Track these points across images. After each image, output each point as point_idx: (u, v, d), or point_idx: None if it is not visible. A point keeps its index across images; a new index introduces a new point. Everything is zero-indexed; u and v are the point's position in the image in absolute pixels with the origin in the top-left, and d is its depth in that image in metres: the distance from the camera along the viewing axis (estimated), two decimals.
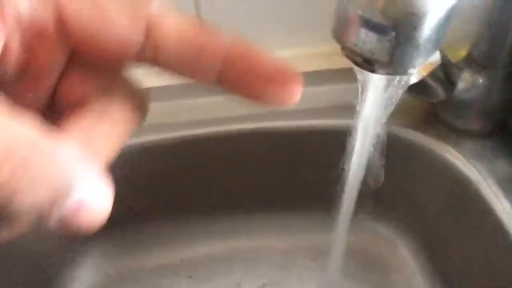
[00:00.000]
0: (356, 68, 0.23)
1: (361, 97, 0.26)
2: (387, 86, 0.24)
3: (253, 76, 0.15)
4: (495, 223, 0.42)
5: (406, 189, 0.51)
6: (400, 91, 0.24)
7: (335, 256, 0.44)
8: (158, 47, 0.15)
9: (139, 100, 0.17)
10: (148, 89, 0.52)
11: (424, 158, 0.48)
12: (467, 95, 0.44)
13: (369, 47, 0.21)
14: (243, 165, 0.53)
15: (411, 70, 0.21)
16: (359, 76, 0.24)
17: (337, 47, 0.54)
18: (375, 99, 0.25)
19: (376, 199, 0.48)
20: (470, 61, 0.43)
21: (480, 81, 0.43)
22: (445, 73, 0.44)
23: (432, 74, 0.44)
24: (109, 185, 0.14)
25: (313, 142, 0.51)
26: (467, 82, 0.43)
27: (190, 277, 0.55)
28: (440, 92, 0.44)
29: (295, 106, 0.49)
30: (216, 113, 0.49)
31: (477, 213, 0.44)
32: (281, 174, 0.54)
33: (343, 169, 0.40)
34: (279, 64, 0.16)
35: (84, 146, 0.15)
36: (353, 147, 0.32)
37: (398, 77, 0.23)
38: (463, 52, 0.44)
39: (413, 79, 0.38)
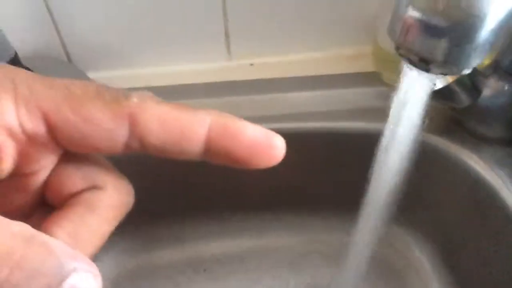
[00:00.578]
0: (404, 68, 0.23)
1: (398, 100, 0.26)
2: (433, 87, 0.24)
3: (236, 148, 0.17)
4: None
5: (426, 194, 0.51)
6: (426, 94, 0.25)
7: (358, 262, 0.44)
8: (142, 139, 0.16)
9: (125, 194, 0.19)
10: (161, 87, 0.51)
11: (445, 163, 0.48)
12: (491, 102, 0.44)
13: (427, 46, 0.21)
14: None
15: (466, 71, 0.22)
16: (404, 77, 0.24)
17: (360, 50, 0.55)
18: (420, 100, 0.25)
19: (395, 203, 0.48)
20: (496, 68, 0.43)
21: (506, 88, 0.43)
22: (470, 79, 0.44)
23: (458, 80, 0.44)
24: (97, 272, 0.15)
25: (332, 144, 0.51)
26: (492, 89, 0.43)
27: (206, 273, 0.55)
28: (464, 98, 0.44)
29: (316, 108, 0.49)
30: (234, 113, 0.49)
31: (498, 219, 0.44)
32: (298, 174, 0.54)
33: (366, 173, 0.40)
34: (259, 131, 0.17)
35: (72, 240, 0.17)
36: (384, 150, 0.32)
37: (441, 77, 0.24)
38: (488, 60, 0.44)
39: (439, 84, 0.38)
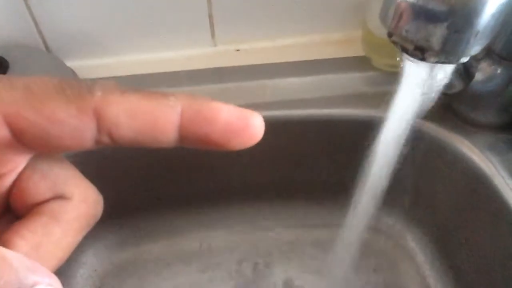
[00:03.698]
0: (400, 56, 0.22)
1: (398, 87, 0.25)
2: (431, 76, 0.23)
3: (211, 132, 0.16)
4: (509, 216, 0.41)
5: (418, 181, 0.51)
6: (442, 82, 0.23)
7: (349, 249, 0.44)
8: (111, 133, 0.15)
9: (92, 205, 0.18)
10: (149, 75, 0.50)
11: (437, 150, 0.47)
12: (484, 87, 0.43)
13: (423, 34, 0.20)
14: (251, 156, 0.52)
15: (464, 59, 0.20)
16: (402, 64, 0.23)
17: (349, 34, 0.54)
18: (416, 89, 0.24)
19: (387, 190, 0.47)
20: (488, 52, 0.42)
21: (498, 72, 0.42)
22: (463, 63, 0.43)
23: None
24: (59, 285, 0.14)
25: (322, 131, 0.50)
26: (485, 74, 0.42)
27: (193, 266, 0.54)
28: (457, 83, 0.43)
29: (304, 94, 0.48)
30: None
31: (490, 206, 0.43)
32: (288, 162, 0.54)
33: (357, 159, 0.39)
34: (234, 112, 0.16)
35: (34, 251, 0.16)
36: (380, 139, 0.30)
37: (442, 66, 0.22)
38: None
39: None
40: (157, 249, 0.56)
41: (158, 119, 0.15)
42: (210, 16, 0.51)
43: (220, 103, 0.16)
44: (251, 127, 0.16)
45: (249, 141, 0.16)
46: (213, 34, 0.53)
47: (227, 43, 0.54)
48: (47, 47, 0.51)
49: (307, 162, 0.53)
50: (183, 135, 0.16)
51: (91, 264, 0.53)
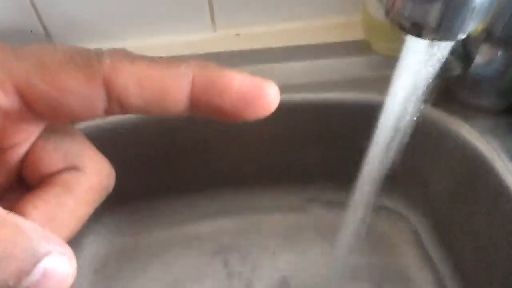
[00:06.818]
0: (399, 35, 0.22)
1: (397, 68, 0.25)
2: (429, 54, 0.23)
3: (224, 102, 0.15)
4: (509, 199, 0.41)
5: (418, 165, 0.51)
6: (440, 62, 0.23)
7: (347, 234, 0.44)
8: (121, 101, 0.15)
9: (105, 176, 0.18)
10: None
11: (437, 134, 0.47)
12: (484, 70, 0.43)
13: (420, 11, 0.20)
14: (250, 141, 0.52)
15: (461, 36, 0.20)
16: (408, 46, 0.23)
17: (349, 18, 0.53)
18: (415, 68, 0.24)
19: (387, 174, 0.47)
20: (489, 35, 0.42)
21: (499, 55, 0.42)
22: (463, 46, 0.43)
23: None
24: (72, 255, 0.14)
25: (322, 116, 0.50)
26: (485, 57, 0.42)
27: (194, 250, 0.55)
28: (456, 66, 0.43)
29: (304, 78, 0.48)
30: None
31: (491, 190, 0.43)
32: (288, 148, 0.54)
33: (357, 144, 0.39)
34: (248, 80, 0.15)
35: (47, 221, 0.16)
36: (380, 122, 0.30)
37: (440, 44, 0.22)
38: (481, 26, 0.43)
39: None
40: (157, 234, 0.56)
41: (168, 88, 0.15)
42: (210, 1, 0.51)
43: (233, 71, 0.15)
44: (265, 97, 0.15)
45: (264, 111, 0.15)
46: (213, 19, 0.53)
47: (227, 28, 0.54)
48: (46, 32, 0.51)
49: (306, 146, 0.53)
50: (194, 104, 0.15)
51: (91, 248, 0.53)
